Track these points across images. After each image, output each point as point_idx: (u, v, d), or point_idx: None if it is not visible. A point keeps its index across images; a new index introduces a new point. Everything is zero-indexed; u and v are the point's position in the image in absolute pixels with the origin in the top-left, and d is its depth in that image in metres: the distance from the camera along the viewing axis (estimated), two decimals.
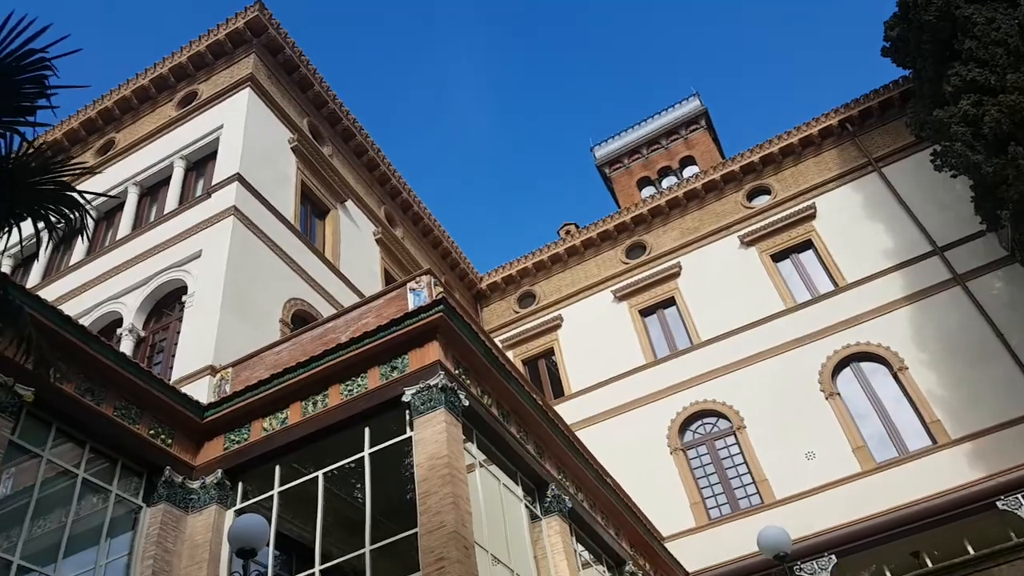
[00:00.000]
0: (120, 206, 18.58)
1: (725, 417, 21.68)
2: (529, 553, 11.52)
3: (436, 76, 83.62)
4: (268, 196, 17.46)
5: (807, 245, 24.05)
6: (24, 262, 19.04)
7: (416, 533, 9.14)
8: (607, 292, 26.18)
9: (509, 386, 11.84)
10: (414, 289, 11.43)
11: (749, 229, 25.00)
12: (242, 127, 18.06)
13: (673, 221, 26.77)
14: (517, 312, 27.59)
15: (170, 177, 18.51)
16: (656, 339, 24.51)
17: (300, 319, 16.11)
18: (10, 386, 8.97)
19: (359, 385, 10.82)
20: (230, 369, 12.53)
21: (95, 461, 10.32)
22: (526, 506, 11.96)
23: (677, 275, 25.35)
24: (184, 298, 15.12)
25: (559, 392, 24.56)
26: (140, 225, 17.90)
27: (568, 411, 21.34)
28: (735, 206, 26.04)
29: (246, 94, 18.98)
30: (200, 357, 13.37)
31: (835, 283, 22.75)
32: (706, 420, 22.04)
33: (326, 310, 16.98)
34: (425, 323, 10.56)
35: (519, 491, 11.90)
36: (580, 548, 13.30)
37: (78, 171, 5.80)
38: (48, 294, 15.24)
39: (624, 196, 33.72)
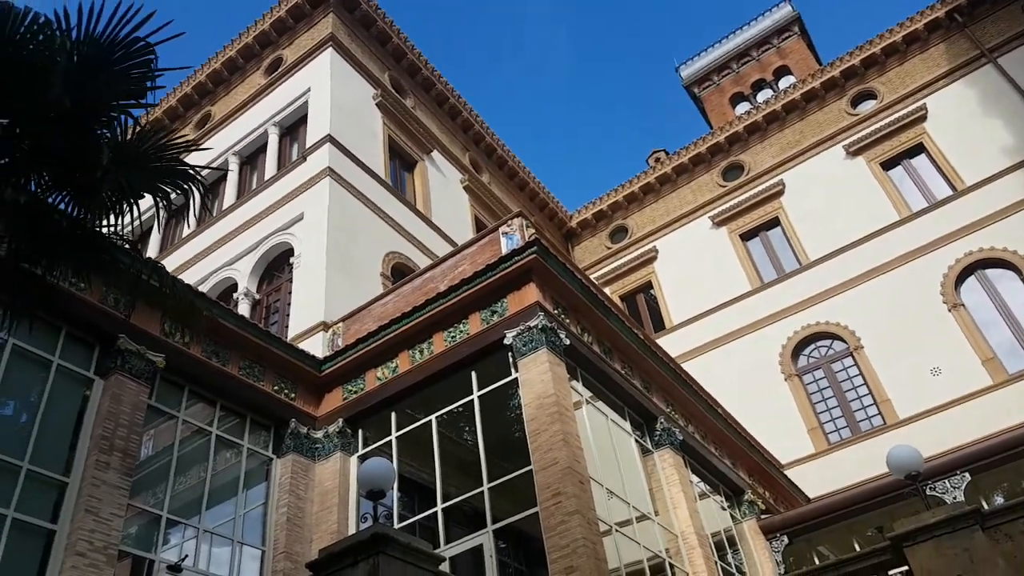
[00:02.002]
0: (223, 176, 19.40)
1: (840, 339, 20.76)
2: (644, 486, 11.55)
3: (509, 10, 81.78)
4: (359, 154, 17.75)
5: (919, 149, 22.30)
6: (141, 237, 20.34)
7: (530, 470, 9.34)
8: (704, 218, 25.30)
9: (609, 322, 11.71)
10: (506, 233, 11.39)
11: (855, 137, 23.38)
12: (328, 88, 18.31)
13: (771, 137, 25.37)
14: (610, 248, 27.18)
15: (266, 144, 19.12)
16: (761, 263, 23.59)
17: (399, 271, 16.47)
18: (142, 353, 9.65)
19: (461, 331, 11.00)
20: (341, 323, 13.02)
21: (226, 418, 11.05)
22: (636, 440, 11.94)
23: (780, 194, 24.14)
24: (292, 260, 15.75)
25: (660, 326, 24.20)
26: (243, 193, 18.65)
27: (671, 344, 21.01)
28: (838, 114, 24.35)
29: (328, 54, 19.18)
30: (312, 314, 13.96)
31: (953, 187, 21.06)
32: (820, 343, 21.19)
33: (422, 261, 17.27)
34: (520, 266, 10.54)
35: (628, 426, 11.88)
36: (695, 479, 13.22)
37: (187, 147, 6.02)
38: (167, 265, 16.23)
39: (716, 115, 32.14)
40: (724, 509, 14.04)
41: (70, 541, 8.08)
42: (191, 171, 5.88)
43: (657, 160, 28.11)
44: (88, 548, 8.10)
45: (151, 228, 19.98)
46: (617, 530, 9.88)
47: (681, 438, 12.59)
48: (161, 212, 6.39)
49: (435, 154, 21.53)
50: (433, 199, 20.13)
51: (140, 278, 5.98)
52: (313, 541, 10.56)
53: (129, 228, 5.98)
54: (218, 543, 10.15)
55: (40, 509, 8.25)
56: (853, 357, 20.31)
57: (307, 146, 17.51)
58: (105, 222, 5.81)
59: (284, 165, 18.22)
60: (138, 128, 5.71)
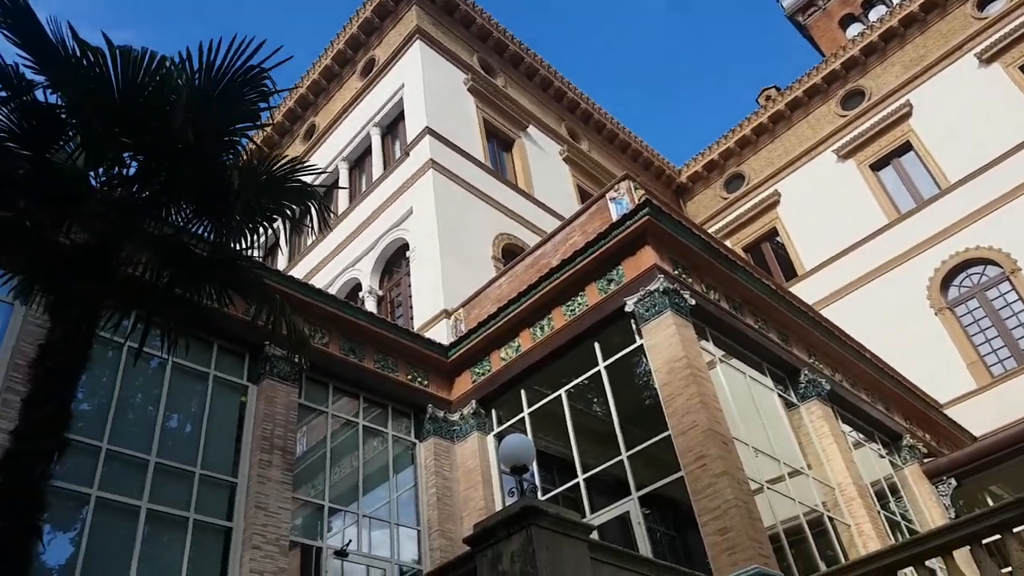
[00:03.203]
0: (335, 183, 20.22)
1: (994, 263, 18.98)
2: (792, 441, 11.10)
3: None
4: (457, 141, 17.95)
5: None
6: (270, 250, 21.60)
7: (669, 435, 9.21)
8: (827, 153, 23.74)
9: (735, 276, 11.25)
10: (614, 198, 11.16)
11: (987, 43, 21.13)
12: (421, 80, 18.61)
13: (892, 56, 23.36)
14: (726, 198, 26.08)
15: (370, 146, 19.73)
16: (895, 193, 21.88)
17: (509, 252, 16.58)
18: (288, 357, 10.27)
19: (579, 304, 10.93)
20: (461, 310, 13.29)
21: (369, 409, 11.65)
22: (779, 395, 11.47)
23: (908, 116, 22.24)
24: (407, 254, 16.23)
25: (791, 274, 23.00)
26: (355, 197, 19.37)
27: (806, 291, 19.96)
28: (965, 20, 22.04)
29: (417, 47, 19.48)
30: (433, 304, 14.36)
31: None
32: (971, 271, 19.46)
33: (530, 239, 17.29)
34: (632, 230, 10.30)
35: (768, 381, 11.42)
36: (848, 429, 12.58)
37: (303, 166, 6.36)
38: (296, 274, 17.19)
39: (827, 42, 29.97)
40: (882, 457, 13.33)
41: (246, 536, 8.77)
42: (308, 188, 6.18)
43: (768, 99, 26.57)
44: (262, 541, 8.78)
45: (278, 241, 21.13)
46: (769, 488, 9.57)
47: (828, 388, 11.98)
48: (286, 225, 6.76)
49: (531, 129, 21.42)
50: (534, 175, 20.07)
51: (269, 305, 6.45)
52: (463, 518, 10.95)
53: (262, 239, 6.37)
54: (376, 526, 10.73)
55: (216, 509, 9.02)
56: (1010, 281, 18.56)
57: (408, 142, 17.91)
58: (240, 243, 6.22)
59: (389, 164, 18.74)
60: (257, 150, 6.06)
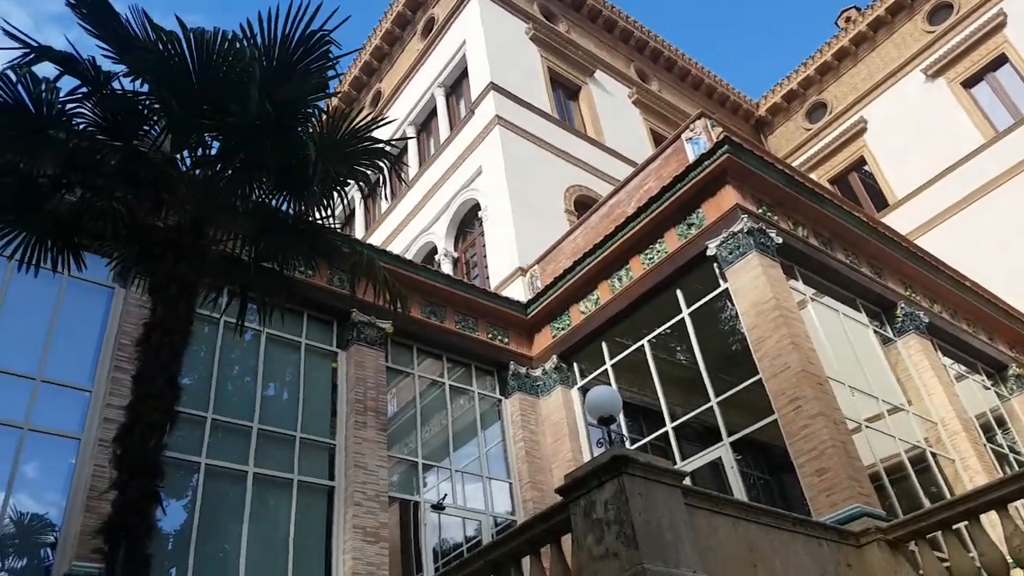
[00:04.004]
0: (404, 148, 20.36)
1: None
2: (890, 377, 10.70)
3: None
4: (522, 94, 17.68)
5: None
6: (347, 220, 22.08)
7: (759, 380, 9.03)
8: (915, 73, 22.16)
9: (823, 210, 10.76)
10: (690, 138, 10.77)
11: None
12: (481, 35, 18.35)
13: None
14: (809, 129, 24.81)
15: (435, 108, 19.69)
16: (991, 109, 20.27)
17: (582, 204, 16.34)
18: (373, 323, 10.59)
19: (658, 251, 10.70)
20: (536, 266, 13.27)
21: (454, 369, 11.90)
22: (874, 331, 11.03)
23: (1002, 25, 20.44)
24: (480, 214, 16.26)
25: (882, 204, 21.80)
26: (425, 160, 19.46)
27: (899, 221, 18.88)
28: None
29: (476, 1, 19.15)
30: (508, 261, 14.38)
31: None
32: None
33: (603, 189, 16.96)
34: (711, 170, 9.94)
35: (863, 317, 10.98)
36: (949, 361, 12.04)
37: (374, 123, 6.36)
38: (373, 240, 17.52)
39: None
40: (987, 388, 12.77)
41: (347, 493, 9.20)
42: (380, 148, 6.20)
43: (848, 20, 24.92)
44: (363, 498, 9.20)
45: (354, 211, 21.60)
46: (867, 426, 9.30)
47: (927, 321, 11.45)
48: (360, 195, 6.85)
49: (598, 74, 20.86)
50: (603, 122, 19.60)
51: (357, 263, 6.56)
52: (553, 470, 11.11)
53: (339, 210, 6.48)
54: (469, 480, 11.05)
55: (317, 470, 9.50)
56: None
57: (472, 99, 17.76)
58: (319, 213, 6.35)
59: (455, 124, 18.67)
60: (327, 118, 6.09)
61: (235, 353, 9.75)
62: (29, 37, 5.27)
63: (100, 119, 5.46)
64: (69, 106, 5.37)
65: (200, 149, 5.92)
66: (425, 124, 20.41)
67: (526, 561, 6.38)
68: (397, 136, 20.16)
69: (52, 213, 5.72)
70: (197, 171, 5.95)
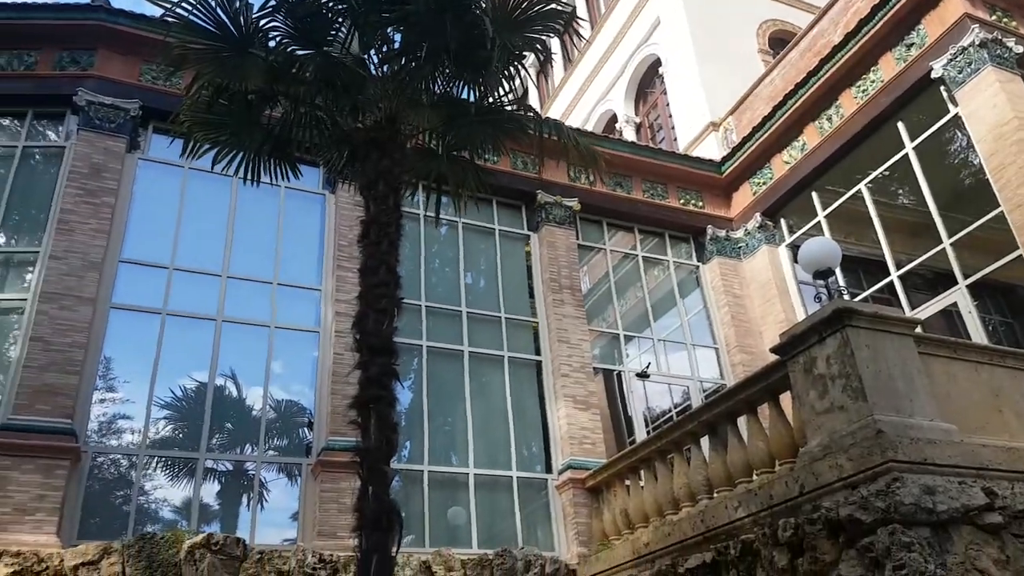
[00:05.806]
0: (573, 10, 19.37)
1: None
2: None
3: None
4: None
5: None
6: (521, 99, 21.75)
7: (999, 214, 8.16)
8: None
9: None
10: None
11: None
12: None
13: None
14: None
15: None
16: None
17: (778, 41, 14.76)
18: (559, 203, 10.61)
19: (872, 81, 9.53)
20: (730, 118, 12.38)
21: (646, 240, 11.70)
22: None
23: None
24: (660, 70, 15.31)
25: None
26: (595, 23, 18.49)
27: None
28: None
29: None
30: (696, 118, 13.52)
31: None
32: None
33: (802, 19, 15.11)
34: None
35: None
36: None
37: None
38: (552, 115, 17.19)
39: None
40: None
41: (554, 366, 9.65)
42: (552, 7, 5.96)
43: None
44: (569, 369, 9.60)
45: (527, 91, 21.26)
46: None
47: None
48: (534, 70, 6.66)
49: None
50: None
51: (544, 138, 6.47)
52: (762, 332, 10.78)
53: (516, 83, 6.37)
54: (671, 349, 11.05)
55: (524, 346, 10.02)
56: None
57: None
58: (499, 92, 6.29)
59: None
60: None
61: (435, 247, 10.30)
62: None
63: (292, 29, 5.68)
64: (263, 21, 5.65)
65: (384, 46, 6.03)
66: None
67: (742, 420, 6.35)
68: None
69: (265, 128, 6.18)
70: (384, 68, 6.09)
